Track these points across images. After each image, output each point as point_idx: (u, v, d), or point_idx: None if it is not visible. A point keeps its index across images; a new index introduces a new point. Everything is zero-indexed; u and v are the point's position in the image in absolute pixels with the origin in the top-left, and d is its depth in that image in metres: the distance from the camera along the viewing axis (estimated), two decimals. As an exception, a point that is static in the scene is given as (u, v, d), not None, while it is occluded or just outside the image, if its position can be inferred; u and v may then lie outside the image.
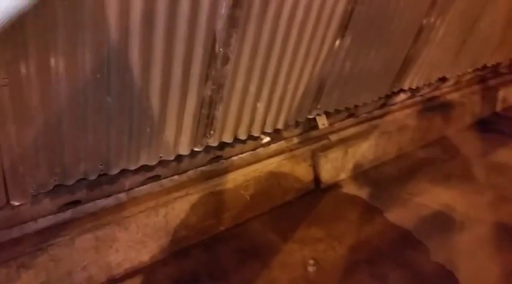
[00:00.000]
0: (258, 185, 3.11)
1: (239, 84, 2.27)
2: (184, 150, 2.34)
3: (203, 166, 2.80)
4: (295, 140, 3.40)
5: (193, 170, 2.77)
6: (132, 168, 2.20)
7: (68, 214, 2.26)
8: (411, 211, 3.22)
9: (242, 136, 2.66)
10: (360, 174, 3.77)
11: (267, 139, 2.94)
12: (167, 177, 2.59)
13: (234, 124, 2.51)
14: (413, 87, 4.00)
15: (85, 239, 2.32)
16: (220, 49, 2.01)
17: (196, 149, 2.46)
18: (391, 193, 3.47)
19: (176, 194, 2.68)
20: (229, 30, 2.02)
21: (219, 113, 2.31)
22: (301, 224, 3.01)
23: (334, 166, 3.57)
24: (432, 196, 3.44)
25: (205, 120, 2.30)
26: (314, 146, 3.47)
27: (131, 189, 2.44)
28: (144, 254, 2.56)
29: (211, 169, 2.86)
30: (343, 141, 3.69)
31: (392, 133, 4.07)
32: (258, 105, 2.52)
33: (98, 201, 2.38)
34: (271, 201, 3.21)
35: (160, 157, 2.27)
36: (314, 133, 3.52)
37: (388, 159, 4.08)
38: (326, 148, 3.54)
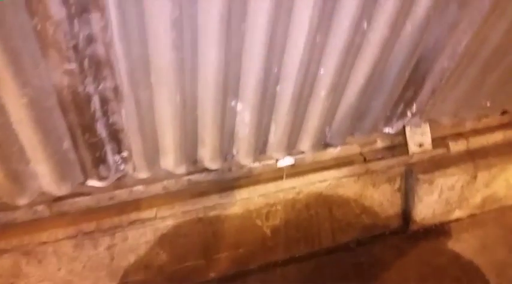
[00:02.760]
0: (291, 213, 1.86)
1: (163, 60, 0.99)
2: (55, 188, 1.23)
3: (190, 175, 1.66)
4: (379, 144, 1.97)
5: (174, 180, 1.65)
6: None
7: None
8: None
9: (209, 164, 1.42)
10: (492, 216, 2.17)
11: (286, 161, 1.61)
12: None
13: (178, 139, 1.26)
14: None
15: (-34, 271, 1.50)
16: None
17: (93, 184, 1.32)
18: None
19: (134, 215, 1.63)
20: None
21: (124, 121, 1.10)
22: (347, 302, 1.72)
23: (445, 197, 2.05)
24: None
25: (90, 135, 1.11)
26: (413, 159, 1.99)
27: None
28: (70, 301, 1.65)
29: (208, 179, 1.71)
30: (473, 155, 2.09)
31: None
32: (238, 106, 1.20)
33: (-2, 212, 1.49)
34: (309, 242, 1.94)
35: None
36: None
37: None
38: (436, 165, 2.02)
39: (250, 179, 1.78)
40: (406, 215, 2.06)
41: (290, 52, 1.14)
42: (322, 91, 1.28)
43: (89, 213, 1.59)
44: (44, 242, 1.54)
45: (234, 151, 1.46)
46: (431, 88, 1.44)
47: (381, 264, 1.90)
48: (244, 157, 1.48)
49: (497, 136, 2.17)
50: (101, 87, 1.00)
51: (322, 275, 1.85)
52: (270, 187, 1.80)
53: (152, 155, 1.29)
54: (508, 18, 1.35)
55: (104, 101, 1.04)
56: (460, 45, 1.34)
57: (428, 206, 2.04)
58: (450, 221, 2.12)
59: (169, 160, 1.33)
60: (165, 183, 1.67)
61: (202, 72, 1.10)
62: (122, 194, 1.62)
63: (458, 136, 2.09)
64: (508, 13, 1.34)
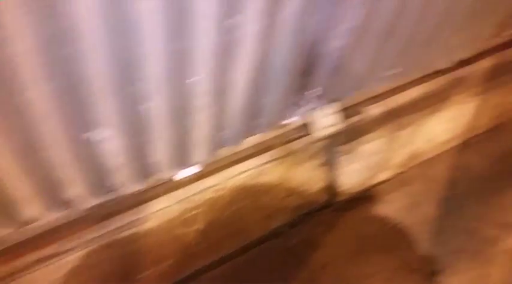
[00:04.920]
0: (213, 213, 1.74)
1: None
2: None
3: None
4: (296, 123, 1.85)
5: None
6: None
7: None
8: None
9: (87, 202, 1.24)
10: (416, 172, 2.20)
11: (188, 172, 1.46)
12: None
13: (30, 187, 1.06)
14: None
15: None
16: None
17: None
18: (476, 221, 1.93)
19: (30, 257, 1.41)
20: None
21: None
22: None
23: (367, 163, 2.03)
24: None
25: None
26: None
27: None
28: None
29: (115, 196, 1.51)
30: (391, 115, 2.06)
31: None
32: (97, 136, 1.01)
33: None
34: (238, 237, 1.85)
35: None
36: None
37: (479, 135, 2.38)
38: (354, 134, 1.96)
39: (167, 185, 1.60)
40: (330, 188, 2.02)
41: (148, 64, 0.94)
42: (202, 99, 1.11)
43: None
44: None
45: (117, 182, 1.26)
46: (329, 69, 1.32)
47: (311, 243, 1.87)
48: (133, 184, 1.29)
49: (417, 91, 2.13)
50: None
51: (256, 268, 1.78)
52: (189, 190, 1.65)
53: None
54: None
55: None
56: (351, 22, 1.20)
57: (351, 175, 2.00)
58: (375, 185, 2.12)
59: (30, 210, 1.12)
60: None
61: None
62: (6, 237, 1.38)
63: (373, 99, 2.03)
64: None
